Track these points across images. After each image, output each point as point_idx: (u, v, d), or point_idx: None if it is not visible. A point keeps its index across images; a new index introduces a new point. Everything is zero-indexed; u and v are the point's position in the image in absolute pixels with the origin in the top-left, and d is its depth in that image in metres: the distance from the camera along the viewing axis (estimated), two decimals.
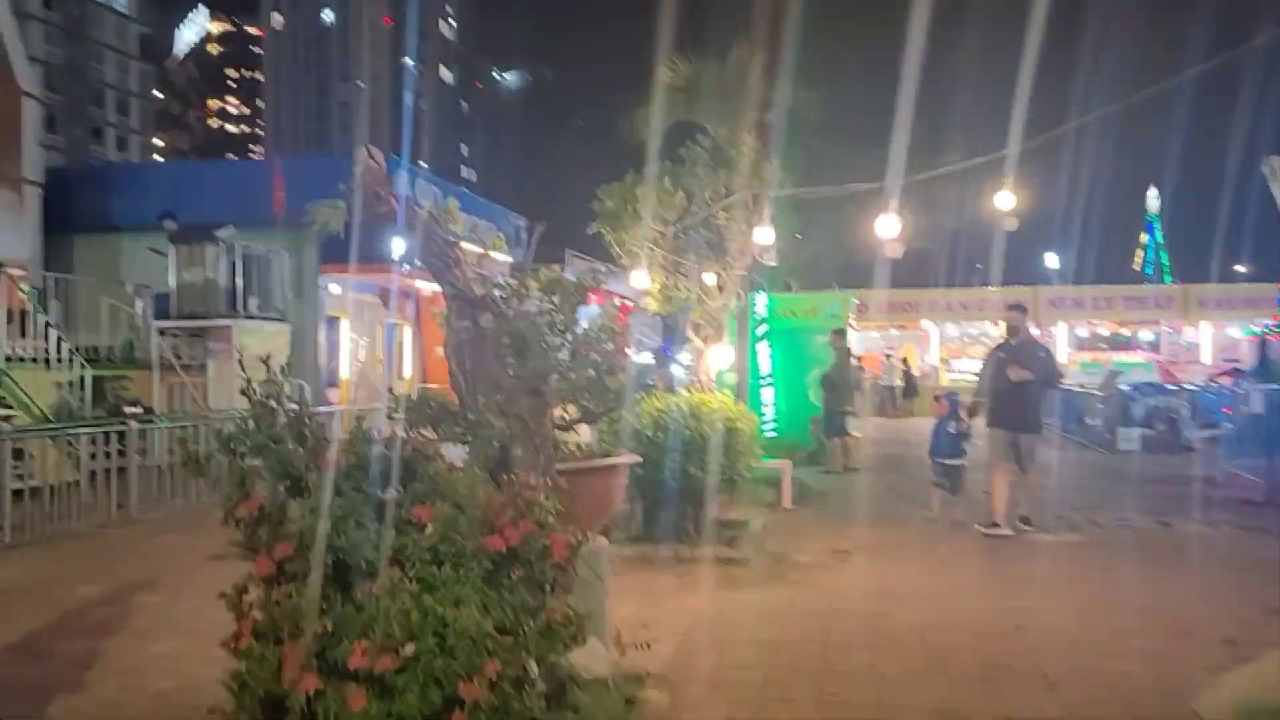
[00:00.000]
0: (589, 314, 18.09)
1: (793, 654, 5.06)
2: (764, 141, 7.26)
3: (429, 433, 4.34)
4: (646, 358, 14.03)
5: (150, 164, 65.37)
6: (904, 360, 28.67)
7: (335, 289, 18.83)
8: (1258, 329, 21.05)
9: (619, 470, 4.77)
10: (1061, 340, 28.74)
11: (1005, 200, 7.56)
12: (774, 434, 14.57)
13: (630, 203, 6.90)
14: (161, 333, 14.43)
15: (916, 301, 28.78)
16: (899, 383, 27.95)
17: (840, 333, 13.90)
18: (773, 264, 7.41)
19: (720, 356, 7.28)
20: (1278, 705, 4.38)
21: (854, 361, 14.58)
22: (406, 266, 19.18)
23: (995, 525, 8.42)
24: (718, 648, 5.21)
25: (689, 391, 7.36)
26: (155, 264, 15.02)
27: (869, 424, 23.95)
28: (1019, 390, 8.37)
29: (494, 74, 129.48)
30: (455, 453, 4.07)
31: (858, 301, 17.19)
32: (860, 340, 31.66)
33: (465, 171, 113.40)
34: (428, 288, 20.87)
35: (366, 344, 20.62)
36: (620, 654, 4.27)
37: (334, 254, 18.21)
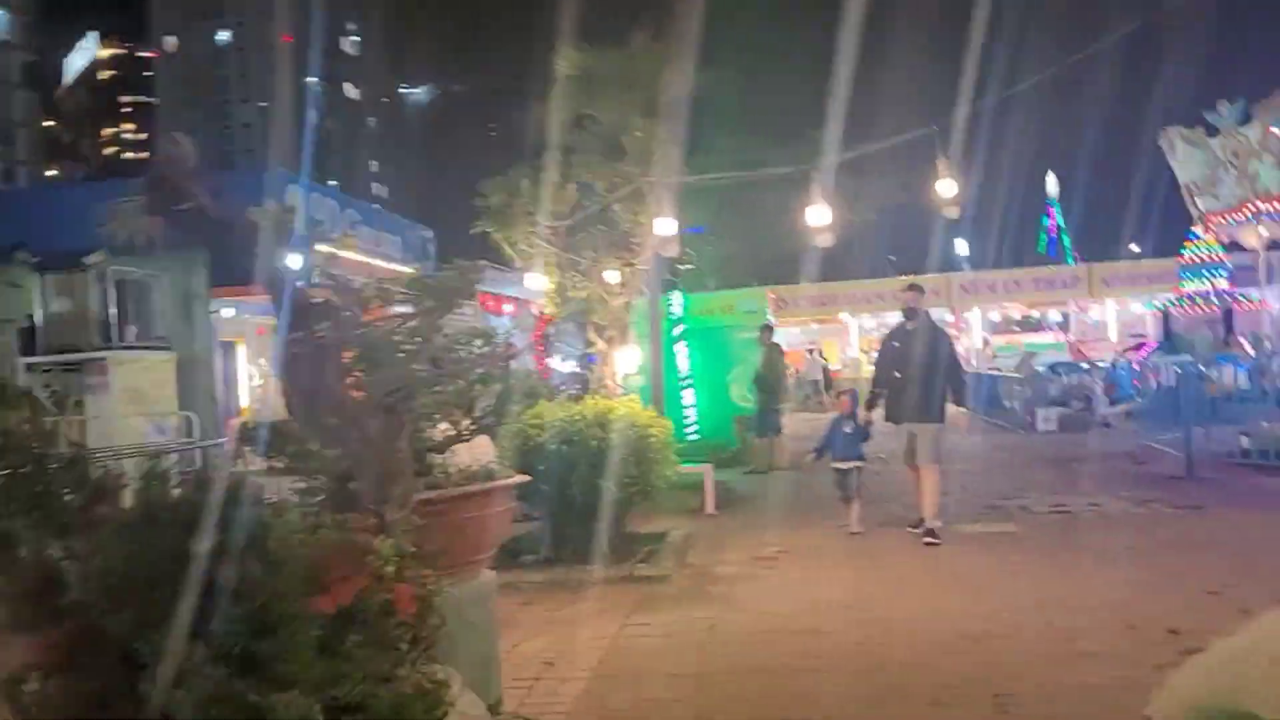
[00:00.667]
0: (502, 324, 17.56)
1: (719, 686, 4.55)
2: (660, 127, 6.77)
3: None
4: (571, 366, 13.44)
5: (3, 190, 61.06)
6: (821, 354, 28.66)
7: (229, 312, 17.77)
8: (1160, 304, 21.43)
9: (502, 494, 4.20)
10: (976, 325, 29.04)
11: (947, 188, 7.21)
12: (696, 436, 14.15)
13: (516, 198, 6.33)
14: (29, 369, 13.32)
15: (834, 295, 28.78)
16: (821, 377, 27.89)
17: (768, 329, 13.51)
18: (672, 254, 6.90)
19: (627, 359, 6.78)
20: (1230, 706, 4.05)
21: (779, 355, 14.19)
22: (301, 283, 18.31)
23: (924, 526, 7.66)
24: (633, 682, 4.67)
25: (594, 398, 6.82)
26: (18, 297, 13.88)
27: (794, 421, 23.80)
28: (916, 378, 7.63)
29: (400, 88, 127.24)
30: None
31: (773, 296, 16.86)
32: (782, 336, 31.65)
33: (377, 188, 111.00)
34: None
35: (268, 369, 19.63)
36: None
37: (226, 276, 17.22)
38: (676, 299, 14.40)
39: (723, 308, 14.68)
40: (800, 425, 21.68)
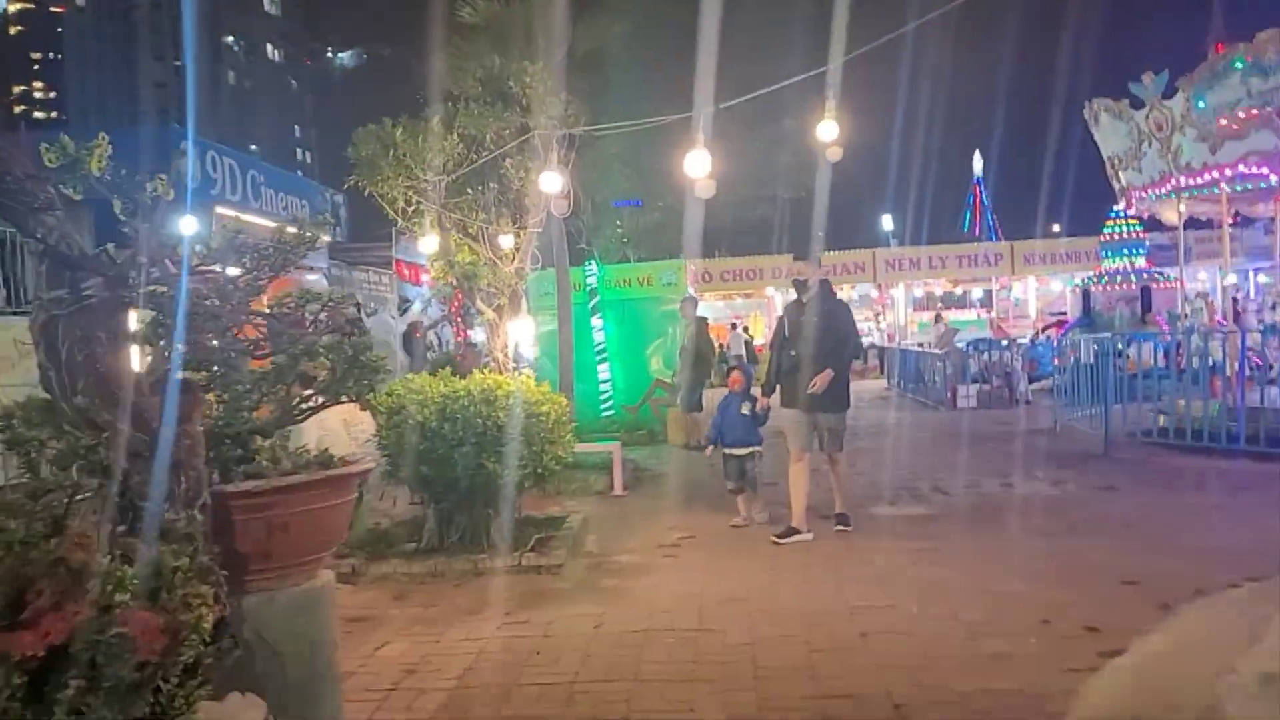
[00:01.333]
0: (420, 294, 16.66)
1: (591, 698, 4.05)
2: (551, 77, 6.16)
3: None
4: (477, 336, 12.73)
5: None
6: (745, 329, 28.37)
7: None
8: (1079, 281, 21.56)
9: (339, 484, 3.62)
10: (900, 301, 29.06)
11: (828, 130, 6.75)
12: (611, 412, 13.68)
13: (391, 149, 5.69)
14: None
15: (759, 268, 28.48)
16: (743, 352, 27.62)
17: (692, 300, 12.91)
18: (561, 214, 6.34)
19: (519, 331, 6.21)
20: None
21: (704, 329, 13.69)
22: (199, 248, 17.22)
23: (794, 531, 6.76)
24: (500, 694, 4.15)
25: (482, 373, 6.24)
26: None
27: (718, 396, 23.50)
28: (812, 358, 6.65)
29: (324, 50, 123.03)
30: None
31: (693, 268, 16.39)
32: (707, 310, 31.31)
33: (301, 154, 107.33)
34: (233, 273, 18.89)
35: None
36: None
37: (112, 235, 16.12)
38: (591, 270, 13.86)
39: (641, 279, 14.13)
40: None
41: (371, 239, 27.86)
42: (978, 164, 56.34)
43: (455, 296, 26.05)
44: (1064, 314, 26.79)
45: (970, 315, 29.88)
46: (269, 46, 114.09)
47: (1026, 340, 20.23)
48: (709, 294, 29.59)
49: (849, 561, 6.14)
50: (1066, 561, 5.85)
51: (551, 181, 5.93)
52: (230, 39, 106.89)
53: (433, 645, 4.83)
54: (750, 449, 7.65)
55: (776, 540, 6.65)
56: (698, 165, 6.34)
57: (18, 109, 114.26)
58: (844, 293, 29.80)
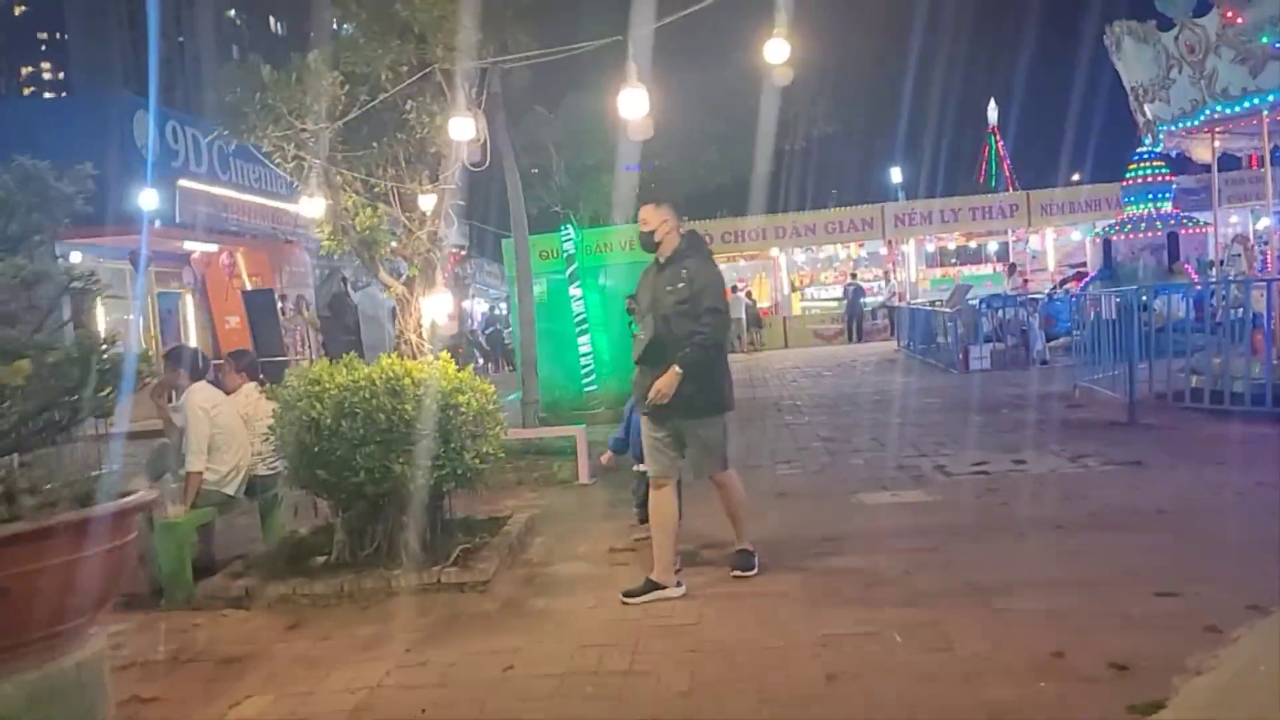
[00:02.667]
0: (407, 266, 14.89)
1: None
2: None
3: None
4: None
5: None
6: (749, 293, 27.34)
7: (77, 257, 15.75)
8: (1100, 230, 20.33)
9: (92, 530, 2.68)
10: (911, 258, 27.90)
11: (777, 50, 5.69)
12: (594, 387, 12.75)
13: (259, 93, 4.71)
14: None
15: (763, 228, 27.32)
16: (743, 316, 26.63)
17: None
18: (477, 165, 5.35)
19: (435, 307, 5.24)
20: None
21: None
22: (159, 223, 16.30)
23: (654, 586, 4.81)
24: None
25: (390, 358, 5.29)
26: None
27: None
28: (661, 349, 4.81)
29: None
30: None
31: (682, 231, 15.34)
32: None
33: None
34: (202, 248, 18.01)
35: (133, 320, 17.63)
36: None
37: (89, 217, 15.22)
38: (569, 235, 12.85)
39: (623, 243, 13.09)
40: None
41: None
42: (992, 112, 54.71)
43: (449, 265, 25.15)
44: (1083, 265, 25.58)
45: (986, 270, 28.70)
46: (271, 19, 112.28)
47: (1044, 295, 19.07)
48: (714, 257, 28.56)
49: (824, 568, 5.17)
50: (1087, 565, 4.86)
51: (462, 128, 4.94)
52: (232, 13, 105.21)
53: (303, 699, 3.92)
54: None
55: (626, 600, 4.76)
56: (632, 104, 5.32)
57: (27, 90, 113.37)
58: (851, 250, 28.63)
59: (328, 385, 5.18)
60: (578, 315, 12.72)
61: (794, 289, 28.84)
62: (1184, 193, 20.04)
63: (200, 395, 5.64)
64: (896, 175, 37.24)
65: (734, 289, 27.23)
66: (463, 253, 23.50)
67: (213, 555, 6.09)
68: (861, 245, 28.68)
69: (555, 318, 12.96)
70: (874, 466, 8.03)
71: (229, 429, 5.71)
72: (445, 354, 5.36)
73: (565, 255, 12.81)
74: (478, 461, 5.28)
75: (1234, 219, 24.46)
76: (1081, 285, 18.80)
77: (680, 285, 4.86)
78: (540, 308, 13.21)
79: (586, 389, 12.72)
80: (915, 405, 12.00)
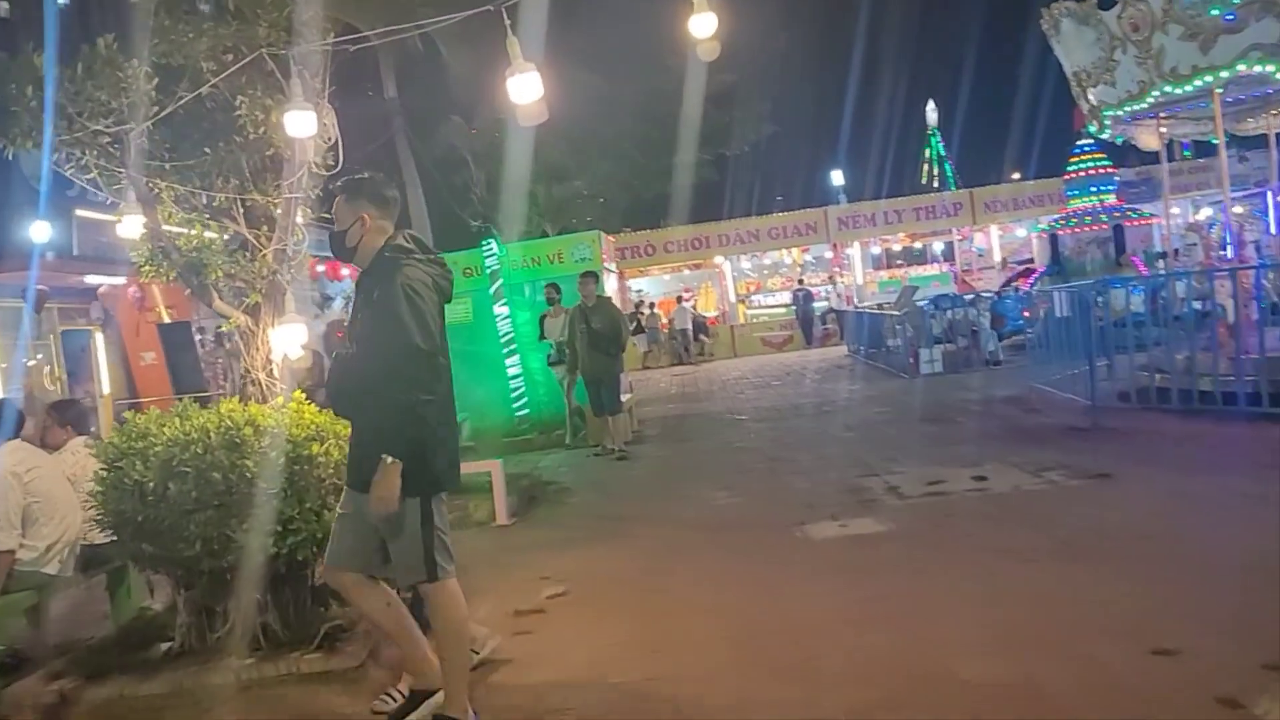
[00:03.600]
0: (341, 290, 14.08)
1: None
2: None
3: None
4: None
5: None
6: (694, 303, 26.69)
7: None
8: (1046, 226, 19.95)
9: None
10: (857, 261, 27.44)
11: (703, 24, 4.93)
12: (526, 412, 11.90)
13: (36, 90, 3.82)
14: None
15: (706, 236, 26.69)
16: (689, 326, 25.97)
17: (591, 276, 10.68)
18: (326, 170, 4.52)
19: (287, 337, 4.38)
20: None
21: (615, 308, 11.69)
22: (51, 255, 15.12)
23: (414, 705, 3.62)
24: None
25: (229, 403, 4.40)
26: None
27: (660, 378, 21.71)
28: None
29: None
30: None
31: (610, 238, 14.54)
32: (655, 285, 29.45)
33: None
34: (108, 281, 16.80)
35: (35, 362, 16.29)
36: None
37: None
38: (491, 249, 12.00)
39: (552, 255, 12.29)
40: (663, 384, 19.40)
41: None
42: (932, 113, 54.98)
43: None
44: (1029, 262, 25.31)
45: (933, 270, 28.35)
46: None
47: (992, 294, 18.60)
48: (654, 268, 27.85)
49: (762, 630, 4.37)
50: (1064, 612, 4.12)
51: (299, 122, 4.09)
52: None
53: None
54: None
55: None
56: (521, 87, 4.52)
57: None
58: (796, 255, 28.10)
59: (154, 441, 4.27)
60: (504, 335, 11.87)
61: (740, 297, 28.22)
62: (1125, 185, 19.73)
63: (11, 457, 4.71)
64: (839, 178, 36.91)
65: (679, 299, 26.56)
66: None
67: (46, 645, 5.13)
68: (806, 250, 28.17)
69: (480, 339, 12.11)
70: (821, 490, 7.27)
71: (48, 496, 4.77)
72: (299, 394, 4.49)
73: (489, 271, 11.96)
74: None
75: (1175, 210, 24.31)
76: (1030, 282, 18.37)
77: (363, 314, 3.48)
78: (464, 328, 12.36)
79: (517, 413, 11.87)
80: (865, 416, 11.32)
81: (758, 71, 30.72)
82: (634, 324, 25.93)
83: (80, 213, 14.84)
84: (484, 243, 11.95)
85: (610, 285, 13.90)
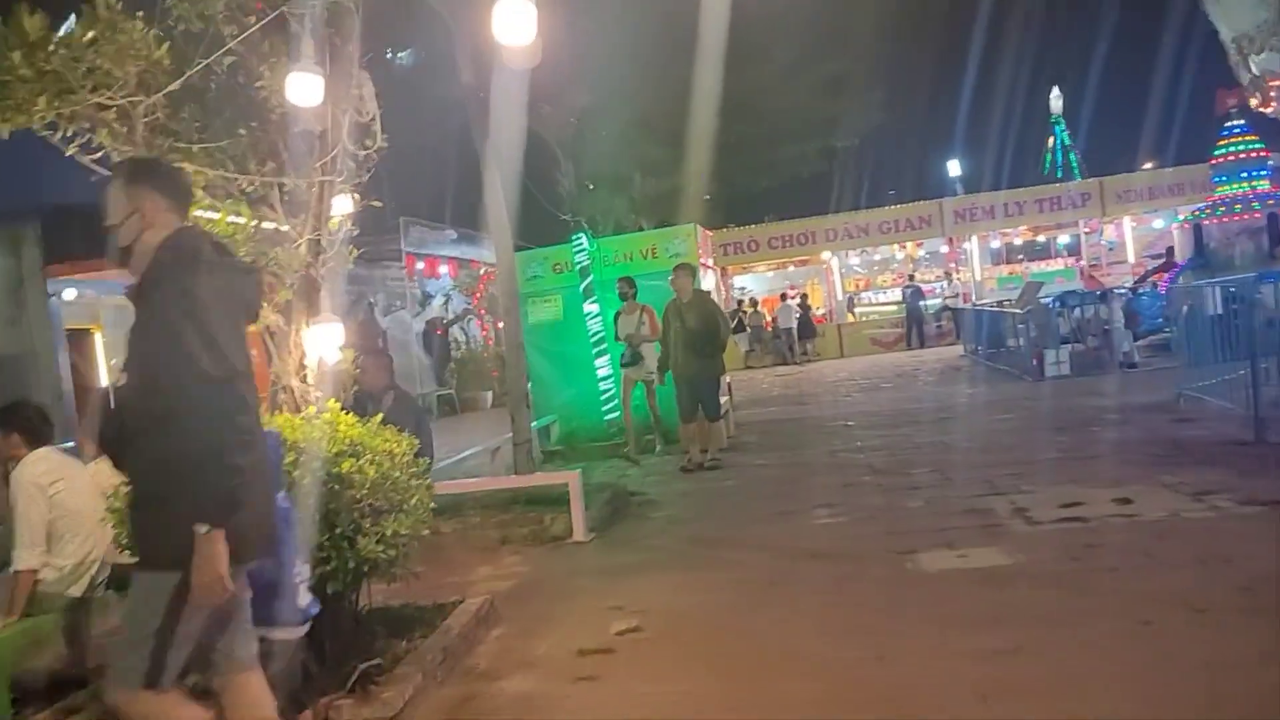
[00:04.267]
0: (441, 288, 13.72)
1: None
2: None
3: None
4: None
5: None
6: (803, 297, 25.63)
7: (71, 294, 14.70)
8: (1189, 216, 18.29)
9: None
10: (975, 255, 25.97)
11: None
12: (616, 414, 11.28)
13: (27, 54, 3.37)
14: None
15: (812, 231, 25.66)
16: (793, 325, 24.98)
17: (686, 269, 9.64)
18: (362, 150, 3.99)
19: (321, 341, 3.87)
20: None
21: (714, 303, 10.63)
22: None
23: None
24: None
25: (270, 413, 3.90)
26: None
27: (762, 379, 20.86)
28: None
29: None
30: None
31: (708, 232, 13.82)
32: (760, 281, 28.58)
33: None
34: None
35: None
36: None
37: (66, 248, 14.25)
38: (582, 244, 11.44)
39: (645, 251, 11.67)
40: (766, 385, 18.45)
41: (376, 231, 25.94)
42: (1056, 100, 52.49)
43: (479, 287, 23.86)
44: (1165, 256, 23.46)
45: (1056, 265, 26.63)
46: None
47: (1126, 290, 17.13)
48: (759, 264, 26.98)
49: (868, 697, 3.62)
50: (1258, 690, 3.25)
51: (302, 87, 3.53)
52: None
53: None
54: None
55: None
56: (511, 24, 3.83)
57: None
58: (909, 250, 26.86)
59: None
60: (594, 334, 11.30)
61: (848, 295, 27.08)
62: None
63: (34, 468, 4.33)
64: (955, 168, 35.05)
65: (783, 297, 25.63)
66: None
67: (85, 668, 4.75)
68: (920, 245, 26.83)
69: (569, 338, 11.58)
70: (937, 510, 6.43)
71: (76, 511, 4.38)
72: (333, 403, 3.96)
73: (579, 268, 11.41)
74: (381, 548, 3.85)
75: None
76: (1170, 277, 16.84)
77: (136, 337, 2.72)
78: (553, 327, 11.87)
79: (607, 416, 11.29)
80: (986, 424, 10.32)
81: (869, 58, 29.49)
82: (735, 321, 25.13)
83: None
84: (574, 237, 11.41)
85: (708, 282, 13.22)
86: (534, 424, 11.90)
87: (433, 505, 4.35)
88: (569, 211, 11.36)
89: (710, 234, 13.98)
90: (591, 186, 10.92)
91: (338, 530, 3.78)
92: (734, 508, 7.49)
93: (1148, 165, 29.17)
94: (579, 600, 5.27)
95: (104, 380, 15.41)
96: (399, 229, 21.15)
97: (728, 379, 14.87)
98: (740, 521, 6.93)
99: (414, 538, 4.10)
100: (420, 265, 22.03)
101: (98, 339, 15.60)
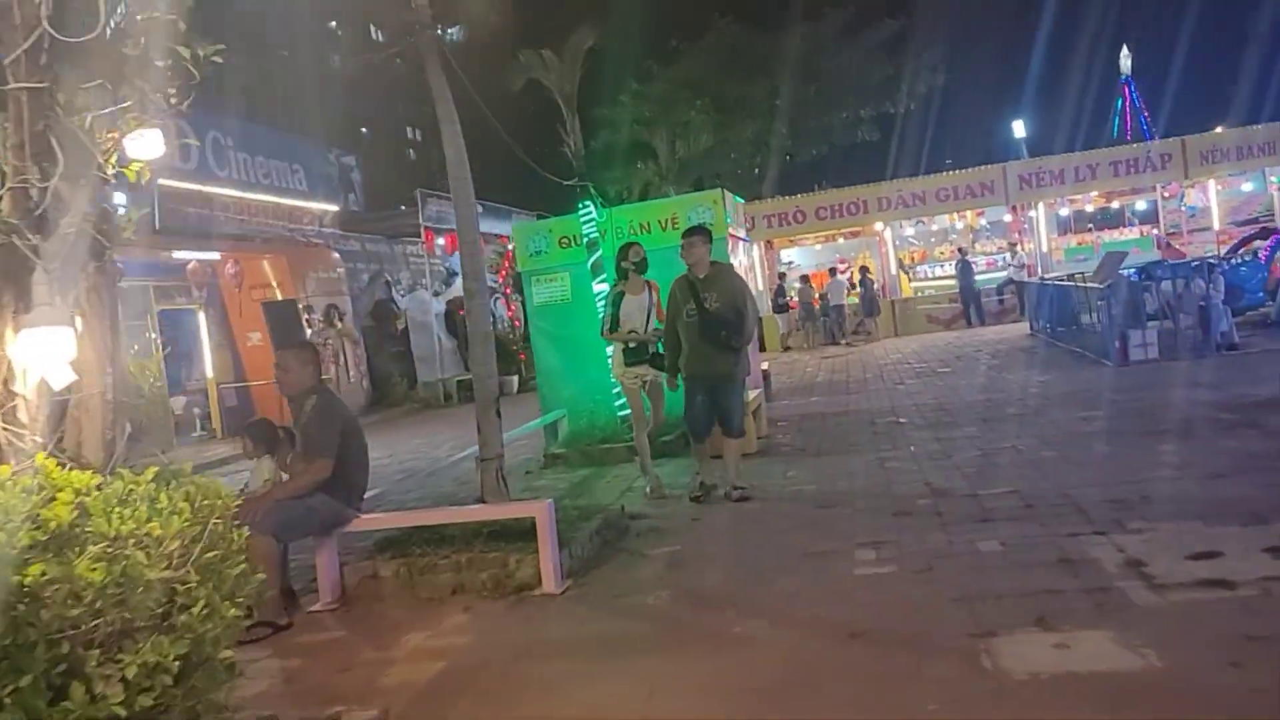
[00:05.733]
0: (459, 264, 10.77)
1: None
2: None
3: None
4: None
5: None
6: (863, 269, 23.76)
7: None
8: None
9: None
10: (1041, 224, 23.88)
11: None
12: (629, 410, 9.73)
13: None
14: None
15: (864, 199, 23.77)
16: (853, 300, 23.14)
17: (700, 234, 7.16)
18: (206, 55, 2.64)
19: (39, 350, 2.48)
20: None
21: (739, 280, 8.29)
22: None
23: None
24: None
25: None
26: None
27: (806, 363, 19.12)
28: None
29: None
30: None
31: (740, 200, 12.14)
32: (807, 255, 26.73)
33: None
34: (198, 256, 15.72)
35: (125, 344, 15.47)
36: None
37: None
38: (589, 214, 9.91)
39: (665, 221, 10.10)
40: (815, 366, 16.54)
41: (395, 205, 24.61)
42: (1125, 60, 49.61)
43: (504, 264, 22.41)
44: (1261, 221, 21.24)
45: (1132, 235, 24.46)
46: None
47: (1219, 260, 15.14)
48: (807, 236, 25.17)
49: None
50: None
51: None
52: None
53: None
54: None
55: None
56: None
57: None
58: (969, 219, 24.92)
59: None
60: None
61: (903, 268, 25.16)
62: None
63: None
64: (1020, 130, 32.53)
65: (832, 271, 23.84)
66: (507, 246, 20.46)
67: None
68: (981, 214, 24.81)
69: (577, 321, 10.10)
70: (1018, 558, 4.84)
71: None
72: (42, 457, 2.49)
73: (586, 241, 9.89)
74: (120, 690, 2.37)
75: None
76: (1273, 245, 14.80)
77: None
78: (560, 309, 10.39)
79: (620, 413, 9.78)
80: (1067, 424, 8.61)
81: (930, 15, 27.44)
82: (775, 299, 23.40)
83: (162, 182, 13.78)
84: (580, 205, 9.88)
85: (740, 258, 11.60)
86: (537, 422, 10.49)
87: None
88: (577, 175, 9.82)
89: (742, 204, 12.31)
90: (593, 145, 9.48)
91: (23, 682, 2.29)
92: (754, 544, 5.93)
93: (1219, 129, 26.70)
94: (518, 709, 3.79)
95: None
96: (418, 201, 19.81)
97: (765, 365, 13.30)
98: (759, 567, 5.39)
99: (187, 662, 2.59)
100: (440, 241, 20.66)
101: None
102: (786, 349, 22.52)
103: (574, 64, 9.41)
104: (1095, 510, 5.49)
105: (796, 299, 23.31)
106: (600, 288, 9.86)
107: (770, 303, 23.50)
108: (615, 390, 9.83)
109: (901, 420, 9.98)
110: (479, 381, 6.12)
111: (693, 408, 7.05)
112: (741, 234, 11.55)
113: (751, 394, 8.81)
